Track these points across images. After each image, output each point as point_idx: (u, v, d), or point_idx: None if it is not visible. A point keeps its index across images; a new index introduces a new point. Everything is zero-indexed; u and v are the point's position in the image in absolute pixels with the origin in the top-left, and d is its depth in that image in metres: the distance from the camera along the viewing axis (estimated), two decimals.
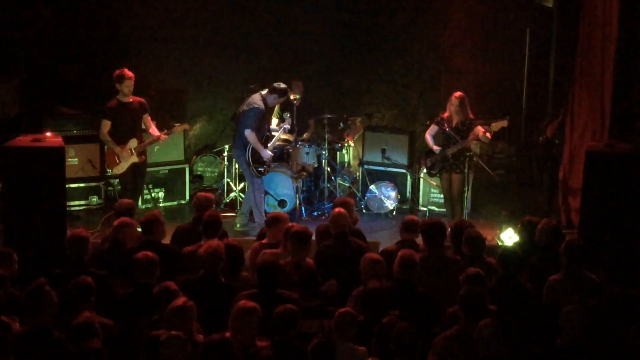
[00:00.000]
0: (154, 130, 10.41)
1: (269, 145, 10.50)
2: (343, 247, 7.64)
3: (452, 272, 7.18)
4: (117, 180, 11.19)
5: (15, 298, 6.64)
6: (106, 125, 10.12)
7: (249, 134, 10.22)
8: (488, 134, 9.88)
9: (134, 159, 10.20)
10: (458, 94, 10.09)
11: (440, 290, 6.99)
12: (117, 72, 10.08)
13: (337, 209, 7.93)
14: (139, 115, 10.28)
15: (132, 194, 10.20)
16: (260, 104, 10.29)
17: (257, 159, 10.36)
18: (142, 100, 10.32)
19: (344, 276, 7.17)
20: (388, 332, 5.89)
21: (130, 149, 10.16)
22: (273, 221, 7.93)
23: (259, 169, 10.39)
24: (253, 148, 10.29)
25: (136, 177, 10.42)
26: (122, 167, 10.20)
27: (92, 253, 7.53)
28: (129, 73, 10.05)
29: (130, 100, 10.15)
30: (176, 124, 10.88)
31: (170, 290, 6.32)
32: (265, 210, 10.40)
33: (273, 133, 10.80)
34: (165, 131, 10.55)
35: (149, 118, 10.40)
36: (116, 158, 10.18)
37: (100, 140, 11.46)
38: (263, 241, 7.94)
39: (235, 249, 7.25)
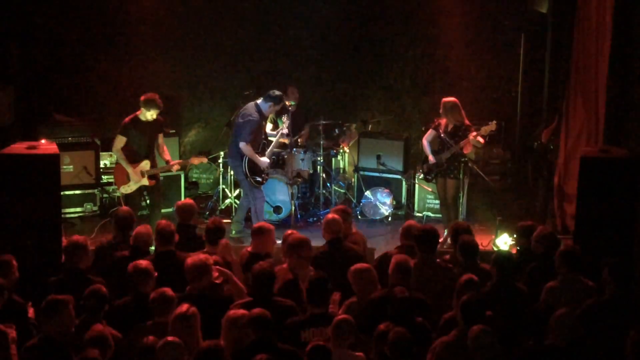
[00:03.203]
0: (165, 153, 10.14)
1: (266, 152, 10.48)
2: (336, 253, 7.63)
3: (444, 279, 7.19)
4: (112, 188, 11.16)
5: (15, 305, 6.64)
6: (121, 141, 9.79)
7: (244, 146, 10.15)
8: (479, 138, 9.83)
9: (144, 182, 9.87)
10: (444, 99, 10.04)
11: (432, 296, 7.00)
12: (149, 96, 9.72)
13: (330, 215, 7.94)
14: (154, 134, 9.99)
15: (136, 209, 9.84)
16: (256, 115, 10.21)
17: (255, 169, 10.30)
18: (161, 118, 10.00)
19: (339, 282, 7.15)
20: (384, 337, 5.89)
21: (142, 171, 9.84)
22: (258, 231, 7.85)
23: (257, 179, 10.34)
24: (249, 159, 10.23)
25: (151, 196, 10.14)
26: (130, 188, 9.89)
27: (113, 260, 7.59)
28: (160, 102, 9.74)
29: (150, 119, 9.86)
30: (193, 156, 10.72)
31: (167, 296, 6.31)
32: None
33: (270, 138, 10.77)
34: (180, 161, 10.35)
35: (162, 138, 10.15)
36: (126, 177, 9.88)
37: (95, 147, 11.49)
38: (248, 249, 7.89)
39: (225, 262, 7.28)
